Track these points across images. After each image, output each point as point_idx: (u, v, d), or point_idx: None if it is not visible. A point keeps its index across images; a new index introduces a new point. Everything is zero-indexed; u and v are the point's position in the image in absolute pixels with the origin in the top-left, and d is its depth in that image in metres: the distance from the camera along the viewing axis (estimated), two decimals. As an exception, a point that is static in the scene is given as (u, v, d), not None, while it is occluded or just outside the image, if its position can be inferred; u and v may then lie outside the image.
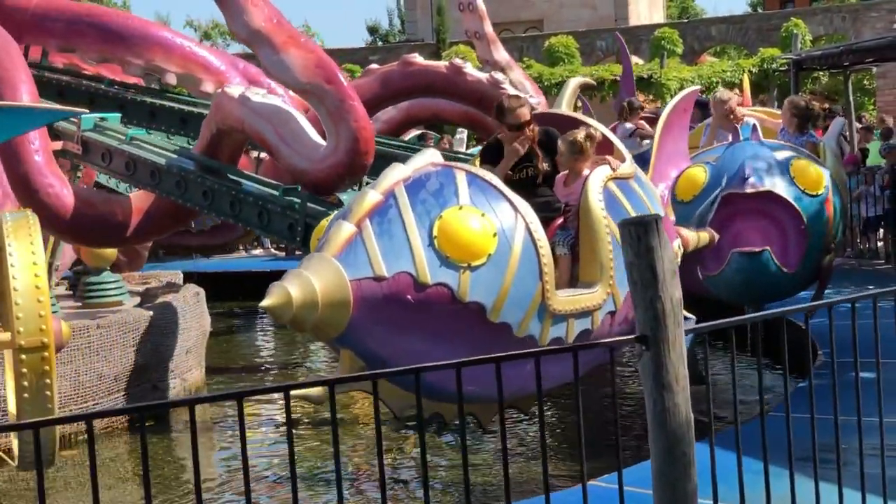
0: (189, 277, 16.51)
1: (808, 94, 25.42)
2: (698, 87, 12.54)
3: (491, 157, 8.56)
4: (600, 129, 8.81)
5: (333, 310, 6.83)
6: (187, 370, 13.45)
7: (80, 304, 13.82)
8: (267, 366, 15.76)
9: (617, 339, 5.67)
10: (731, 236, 10.74)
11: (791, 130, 12.63)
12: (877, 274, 16.95)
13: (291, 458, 4.18)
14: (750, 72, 28.52)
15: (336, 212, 8.25)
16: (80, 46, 12.73)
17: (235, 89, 9.89)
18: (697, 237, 9.93)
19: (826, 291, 11.63)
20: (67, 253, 14.29)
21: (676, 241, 8.95)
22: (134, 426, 11.55)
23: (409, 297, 6.96)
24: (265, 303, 6.74)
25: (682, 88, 28.85)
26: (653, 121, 21.19)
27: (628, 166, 8.44)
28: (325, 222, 7.86)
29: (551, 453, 9.68)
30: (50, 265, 14.46)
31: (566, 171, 8.35)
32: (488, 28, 16.18)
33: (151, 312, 12.70)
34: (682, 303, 4.67)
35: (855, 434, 5.32)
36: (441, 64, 12.59)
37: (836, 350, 5.34)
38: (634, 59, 33.25)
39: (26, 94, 10.93)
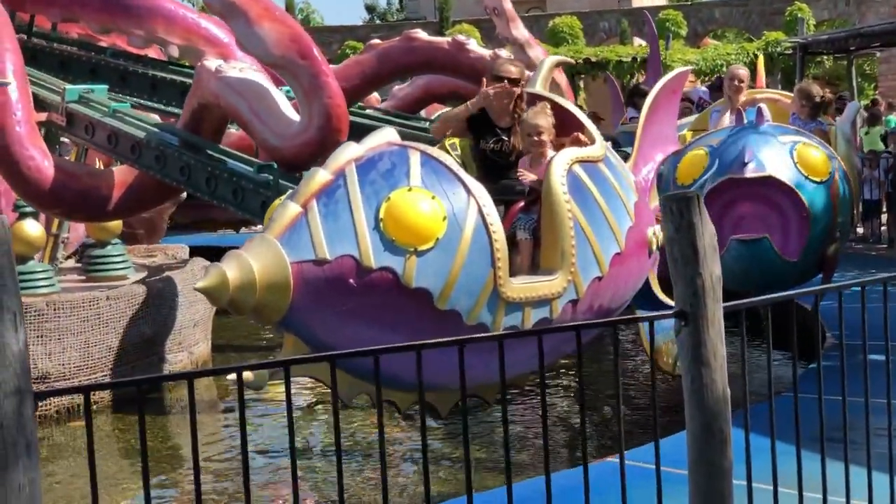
0: (196, 251, 15.97)
1: (811, 78, 24.64)
2: (689, 67, 11.71)
3: (473, 122, 7.95)
4: (571, 109, 8.10)
5: (272, 293, 6.25)
6: (194, 343, 13.04)
7: (83, 277, 13.28)
8: (273, 343, 15.20)
9: (656, 314, 5.37)
10: (730, 222, 9.98)
11: (802, 117, 11.90)
12: (879, 258, 16.20)
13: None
14: (755, 55, 27.67)
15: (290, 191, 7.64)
16: (83, 16, 12.21)
17: (213, 62, 9.29)
18: None
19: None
20: (79, 226, 13.73)
21: (655, 227, 8.23)
22: (123, 401, 11.01)
23: (351, 281, 6.36)
24: (200, 284, 6.19)
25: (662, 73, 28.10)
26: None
27: (597, 149, 7.74)
28: (278, 201, 7.22)
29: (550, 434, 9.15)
30: (57, 237, 13.95)
31: (529, 154, 7.72)
32: (507, 4, 15.60)
33: (160, 285, 12.30)
34: (721, 280, 4.49)
35: (863, 415, 5.08)
36: (443, 40, 11.93)
37: (844, 333, 5.09)
38: (637, 41, 32.47)
39: (10, 63, 10.36)
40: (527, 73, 8.47)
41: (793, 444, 4.83)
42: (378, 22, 56.18)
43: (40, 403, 3.85)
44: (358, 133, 11.09)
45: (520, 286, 6.89)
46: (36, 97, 10.77)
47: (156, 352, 12.28)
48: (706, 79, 26.60)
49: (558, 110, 7.95)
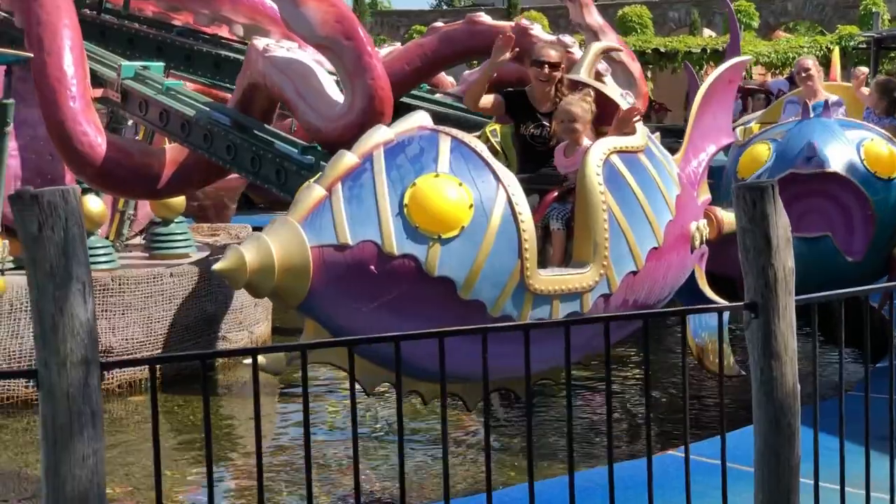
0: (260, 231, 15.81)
1: (884, 73, 23.97)
2: (748, 57, 11.23)
3: (513, 104, 7.69)
4: (615, 98, 7.75)
5: (291, 276, 6.05)
6: (255, 323, 12.88)
7: (146, 255, 13.17)
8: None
9: (727, 305, 5.28)
10: (792, 220, 9.58)
11: (878, 112, 11.43)
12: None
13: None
14: (828, 48, 27.01)
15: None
16: None
17: (262, 41, 9.04)
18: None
19: None
20: (147, 204, 13.61)
21: (701, 222, 7.87)
22: (174, 380, 10.86)
23: (372, 267, 6.14)
24: (217, 266, 6.02)
25: (757, 63, 27.42)
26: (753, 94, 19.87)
27: (638, 139, 7.39)
28: (306, 184, 6.97)
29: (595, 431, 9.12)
30: (123, 214, 13.83)
31: (566, 141, 7.40)
32: None
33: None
34: (794, 272, 4.51)
35: None
36: (507, 24, 11.48)
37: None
38: (707, 32, 31.77)
39: (66, 39, 10.20)
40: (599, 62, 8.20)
41: (858, 444, 4.71)
42: (445, 7, 55.80)
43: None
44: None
45: (548, 278, 6.61)
46: (94, 73, 10.62)
47: (216, 330, 12.15)
48: (777, 72, 26.01)
49: (602, 99, 7.64)
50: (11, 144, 12.83)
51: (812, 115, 10.29)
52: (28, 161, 12.95)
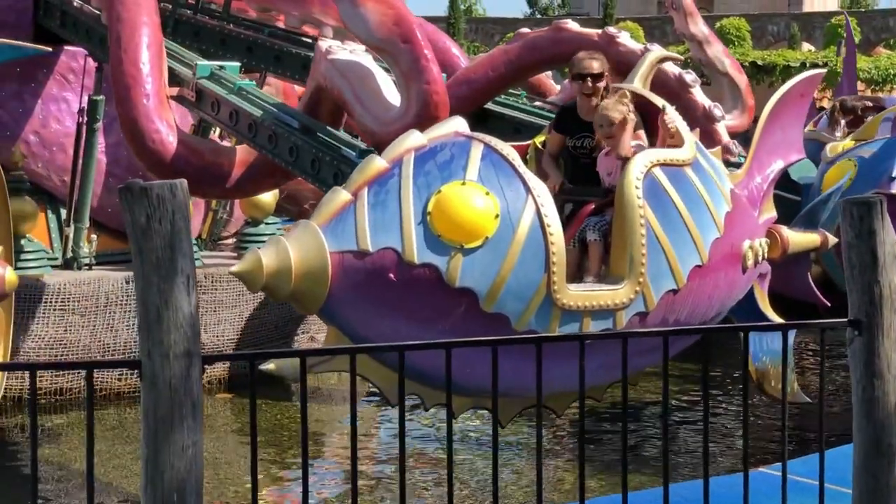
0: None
1: None
2: (822, 70, 10.91)
3: (562, 123, 7.54)
4: (669, 110, 7.53)
5: (309, 281, 5.97)
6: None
7: (236, 255, 13.27)
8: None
9: (828, 321, 5.07)
10: None
11: None
12: None
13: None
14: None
15: None
16: None
17: (326, 42, 9.00)
18: (803, 239, 8.46)
19: None
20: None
21: (758, 240, 7.61)
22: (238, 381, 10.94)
23: (391, 275, 6.02)
24: (234, 269, 5.97)
25: (858, 79, 26.76)
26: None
27: (685, 152, 7.13)
28: (334, 188, 6.89)
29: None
30: (215, 213, 13.95)
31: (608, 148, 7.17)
32: None
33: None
34: None
35: None
36: (593, 32, 11.30)
37: None
38: (806, 46, 31.08)
39: (146, 37, 10.29)
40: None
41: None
42: (539, 16, 55.57)
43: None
44: (510, 127, 10.74)
45: (578, 293, 6.41)
46: (172, 72, 10.68)
47: (306, 330, 12.21)
48: (877, 88, 25.38)
49: (652, 109, 7.42)
50: (103, 140, 13.08)
51: None
52: (120, 157, 13.15)
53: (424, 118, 8.21)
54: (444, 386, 6.11)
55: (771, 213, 8.23)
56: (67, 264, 12.67)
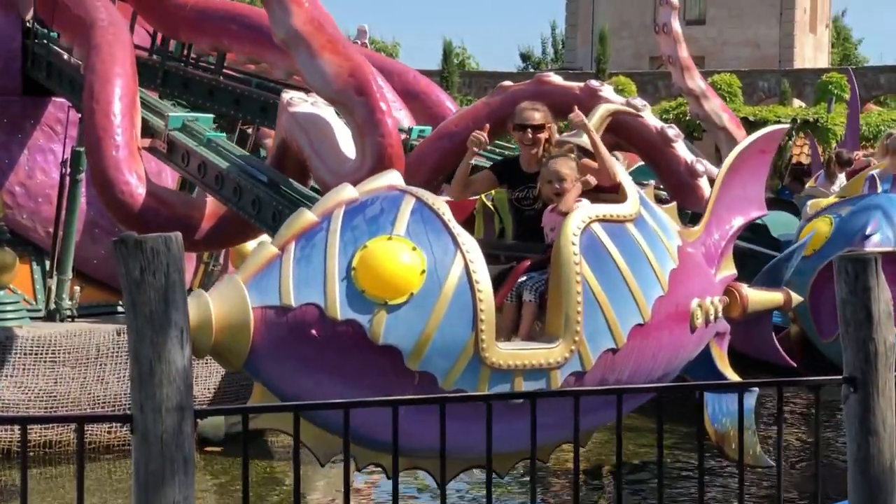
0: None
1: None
2: (785, 126, 10.85)
3: (503, 172, 7.50)
4: (604, 156, 7.47)
5: (230, 336, 5.91)
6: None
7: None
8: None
9: (822, 378, 5.11)
10: None
11: None
12: None
13: None
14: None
15: None
16: (232, 46, 12.17)
17: (287, 94, 9.02)
18: (765, 297, 8.31)
19: None
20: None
21: (710, 298, 7.47)
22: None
23: (314, 331, 5.95)
24: None
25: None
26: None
27: (628, 207, 7.04)
28: (262, 242, 6.86)
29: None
30: (207, 265, 13.98)
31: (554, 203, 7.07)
32: (682, 52, 14.72)
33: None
34: None
35: None
36: (576, 85, 11.22)
37: None
38: (797, 102, 31.08)
39: (118, 88, 10.36)
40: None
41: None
42: (533, 70, 55.86)
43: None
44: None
45: (508, 352, 6.29)
46: (146, 122, 10.74)
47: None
48: (867, 144, 25.31)
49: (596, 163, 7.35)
50: (87, 192, 13.14)
51: (880, 189, 9.94)
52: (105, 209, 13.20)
53: (378, 171, 8.21)
54: (376, 445, 6.11)
55: (730, 270, 8.10)
56: (50, 316, 12.71)
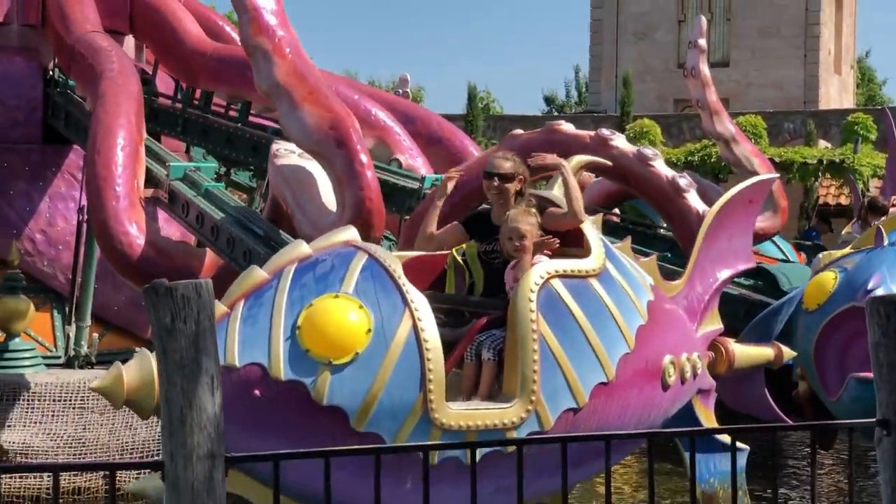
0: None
1: None
2: (776, 175, 10.61)
3: (472, 225, 7.43)
4: (579, 208, 7.28)
5: None
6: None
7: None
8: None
9: (855, 421, 5.28)
10: (855, 358, 9.08)
11: None
12: None
13: None
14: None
15: None
16: (249, 95, 12.33)
17: (276, 145, 9.09)
18: (753, 352, 8.19)
19: None
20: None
21: (684, 354, 7.30)
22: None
23: (257, 392, 5.94)
24: (94, 384, 5.95)
25: (875, 176, 26.33)
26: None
27: (591, 262, 6.93)
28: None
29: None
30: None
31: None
32: (711, 96, 14.58)
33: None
34: None
35: None
36: (587, 134, 11.27)
37: None
38: (822, 143, 30.62)
39: (121, 139, 10.51)
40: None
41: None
42: (556, 113, 55.57)
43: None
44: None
45: (459, 412, 6.19)
46: (150, 172, 10.89)
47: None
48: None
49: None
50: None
51: (886, 242, 9.76)
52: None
53: (357, 224, 8.21)
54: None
55: (715, 325, 7.95)
56: (69, 363, 12.85)
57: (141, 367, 5.89)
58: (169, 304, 3.92)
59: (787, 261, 14.41)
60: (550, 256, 6.92)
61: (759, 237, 13.97)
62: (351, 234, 6.57)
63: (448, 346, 6.58)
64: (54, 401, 11.34)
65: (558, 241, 6.96)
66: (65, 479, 10.56)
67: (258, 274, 6.25)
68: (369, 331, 6.04)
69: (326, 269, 6.25)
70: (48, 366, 12.49)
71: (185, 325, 3.90)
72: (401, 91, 18.99)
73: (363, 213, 8.19)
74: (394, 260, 6.42)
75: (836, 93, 48.20)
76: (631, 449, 7.62)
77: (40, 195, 13.76)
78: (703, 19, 15.28)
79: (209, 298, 3.93)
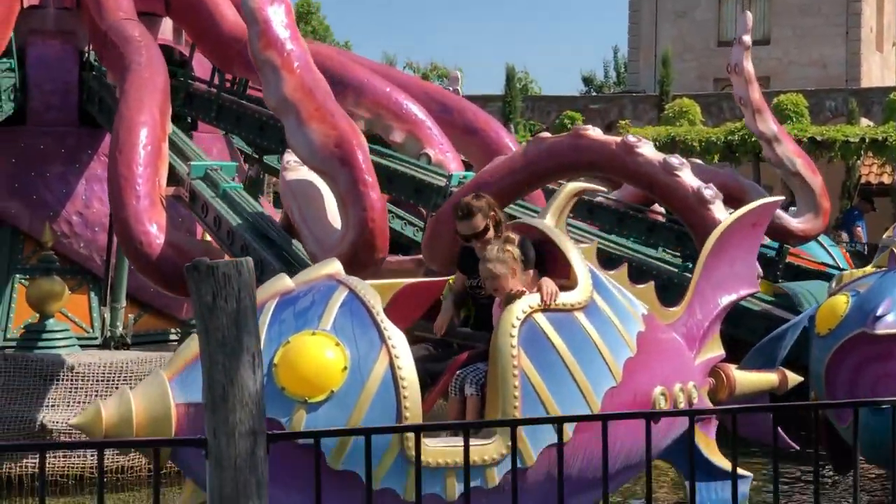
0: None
1: None
2: (781, 198, 10.39)
3: (462, 262, 7.48)
4: (564, 246, 7.33)
5: (151, 433, 6.09)
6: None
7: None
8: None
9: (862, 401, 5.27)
10: (866, 384, 9.04)
11: None
12: None
13: None
14: None
15: None
16: None
17: (285, 157, 9.23)
18: (756, 379, 8.20)
19: None
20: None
21: (678, 385, 7.33)
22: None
23: None
24: (73, 420, 6.16)
25: None
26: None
27: (577, 295, 6.97)
28: (190, 337, 6.97)
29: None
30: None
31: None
32: (755, 94, 14.47)
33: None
34: None
35: None
36: (612, 140, 11.20)
37: None
38: (865, 122, 30.11)
39: (143, 137, 10.68)
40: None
41: None
42: (594, 94, 55.15)
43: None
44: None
45: (437, 449, 6.30)
46: (173, 169, 11.07)
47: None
48: None
49: (550, 246, 7.29)
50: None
51: None
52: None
53: (360, 245, 8.37)
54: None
55: (716, 351, 7.93)
56: (105, 344, 13.12)
57: (120, 405, 6.08)
58: (210, 283, 3.98)
59: (835, 266, 14.21)
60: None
61: (801, 239, 13.94)
62: (334, 267, 6.68)
63: (435, 378, 6.73)
64: (97, 381, 11.57)
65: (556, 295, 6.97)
66: (108, 458, 10.79)
67: None
68: (345, 368, 6.15)
69: (306, 304, 6.36)
70: (83, 346, 12.64)
71: (227, 303, 3.98)
72: (451, 89, 19.00)
73: (366, 234, 8.30)
74: (374, 295, 6.49)
75: (878, 70, 47.71)
76: (633, 474, 7.66)
77: (76, 177, 13.96)
78: (749, 16, 15.11)
79: (250, 277, 4.02)
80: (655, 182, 10.95)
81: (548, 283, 6.89)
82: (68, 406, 11.45)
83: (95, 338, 13.40)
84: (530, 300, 6.80)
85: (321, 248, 8.49)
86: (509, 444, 6.39)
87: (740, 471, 7.83)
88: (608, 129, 31.27)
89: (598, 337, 6.91)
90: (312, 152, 8.60)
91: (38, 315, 12.47)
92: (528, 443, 6.51)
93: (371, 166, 8.71)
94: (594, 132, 11.30)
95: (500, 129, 13.95)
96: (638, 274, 10.50)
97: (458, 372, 6.77)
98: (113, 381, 11.66)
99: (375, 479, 6.15)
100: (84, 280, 13.78)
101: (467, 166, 13.32)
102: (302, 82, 8.75)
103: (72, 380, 11.57)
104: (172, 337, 13.84)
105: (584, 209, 13.43)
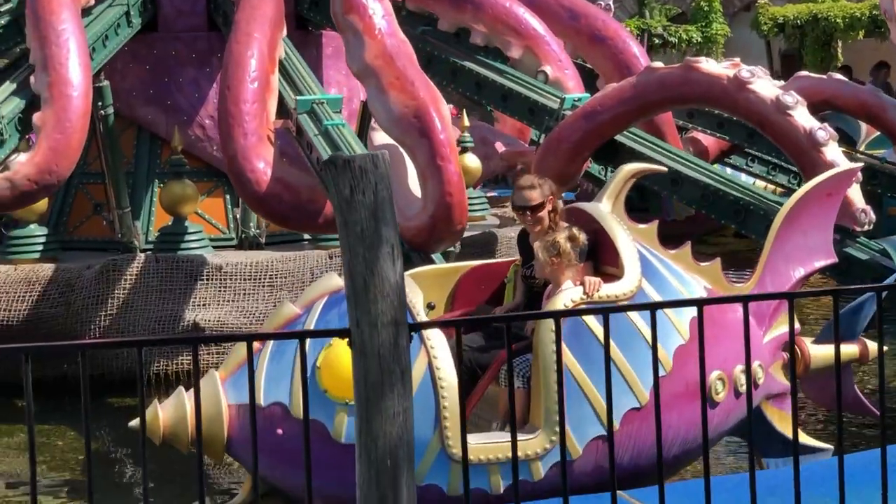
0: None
1: None
2: (858, 165, 9.84)
3: (520, 247, 7.72)
4: (614, 234, 7.36)
5: (205, 431, 6.61)
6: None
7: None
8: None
9: None
10: None
11: None
12: None
13: None
14: None
15: None
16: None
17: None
18: (832, 352, 8.27)
19: None
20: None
21: (739, 367, 7.31)
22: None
23: (280, 430, 6.56)
24: (133, 423, 6.74)
25: None
26: None
27: (625, 285, 7.05)
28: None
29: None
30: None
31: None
32: None
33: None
34: None
35: None
36: (724, 74, 11.05)
37: None
38: None
39: (252, 71, 11.01)
40: None
41: None
42: None
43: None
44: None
45: (479, 446, 6.58)
46: (282, 101, 11.43)
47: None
48: None
49: (602, 235, 7.38)
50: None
51: None
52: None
53: (438, 219, 8.56)
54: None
55: (782, 328, 7.79)
56: (240, 244, 13.65)
57: (176, 407, 6.64)
58: (347, 177, 4.07)
59: None
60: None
61: None
62: None
63: (485, 368, 7.11)
64: (244, 279, 12.07)
65: (599, 285, 7.13)
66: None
67: (289, 309, 6.74)
68: None
69: None
70: (217, 248, 13.09)
71: (364, 196, 4.07)
72: (603, 4, 18.80)
73: (444, 208, 8.48)
74: (415, 293, 6.72)
75: None
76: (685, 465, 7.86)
77: (208, 82, 14.18)
78: None
79: (386, 170, 4.11)
80: (766, 121, 10.82)
81: (591, 277, 7.06)
82: (218, 304, 11.93)
83: (231, 238, 13.80)
84: (573, 293, 6.94)
85: (403, 217, 8.69)
86: (553, 438, 6.69)
87: (819, 443, 8.07)
88: (747, 8, 30.39)
89: (644, 326, 6.92)
90: (392, 122, 8.79)
91: (171, 218, 12.90)
92: (573, 436, 6.72)
93: (451, 136, 8.89)
94: (707, 65, 11.26)
95: (627, 39, 13.87)
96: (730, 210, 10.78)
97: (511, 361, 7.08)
98: (260, 279, 12.11)
99: (418, 475, 6.52)
100: (219, 182, 14.07)
101: (592, 76, 13.47)
102: (384, 49, 8.91)
103: (220, 279, 12.05)
104: (305, 238, 14.18)
105: (714, 122, 13.46)
